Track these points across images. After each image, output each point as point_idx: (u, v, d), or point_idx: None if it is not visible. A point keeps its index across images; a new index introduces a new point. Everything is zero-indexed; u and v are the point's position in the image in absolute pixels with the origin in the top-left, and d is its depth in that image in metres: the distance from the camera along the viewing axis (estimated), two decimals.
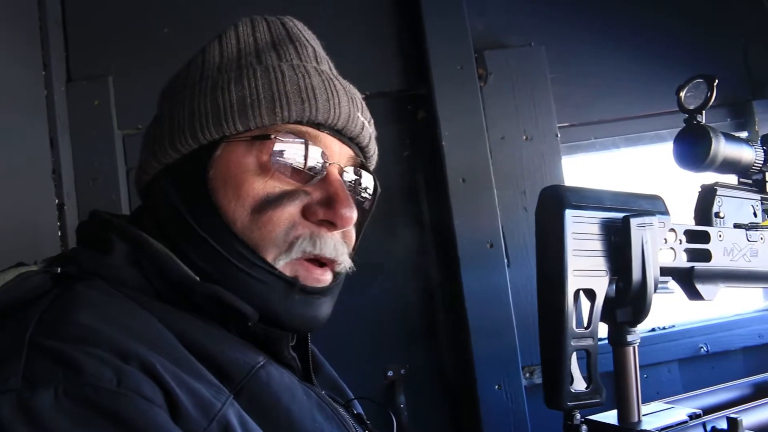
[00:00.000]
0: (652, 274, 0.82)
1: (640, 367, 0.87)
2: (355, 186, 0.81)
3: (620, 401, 0.86)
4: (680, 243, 0.89)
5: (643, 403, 0.87)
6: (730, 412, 0.86)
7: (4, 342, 0.58)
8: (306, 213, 0.73)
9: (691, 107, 0.94)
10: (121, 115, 1.78)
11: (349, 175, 0.80)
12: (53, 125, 1.68)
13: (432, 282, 1.81)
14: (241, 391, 0.65)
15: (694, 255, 0.91)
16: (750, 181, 1.02)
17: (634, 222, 0.80)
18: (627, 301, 0.83)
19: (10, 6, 1.60)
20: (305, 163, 0.73)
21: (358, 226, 0.82)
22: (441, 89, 1.76)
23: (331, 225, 0.74)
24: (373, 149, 0.84)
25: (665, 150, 1.90)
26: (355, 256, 0.82)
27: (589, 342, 0.80)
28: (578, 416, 0.81)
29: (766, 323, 1.89)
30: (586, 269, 0.80)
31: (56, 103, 1.70)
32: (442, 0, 1.79)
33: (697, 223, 0.95)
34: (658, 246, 0.84)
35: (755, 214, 1.01)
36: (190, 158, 0.75)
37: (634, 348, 0.86)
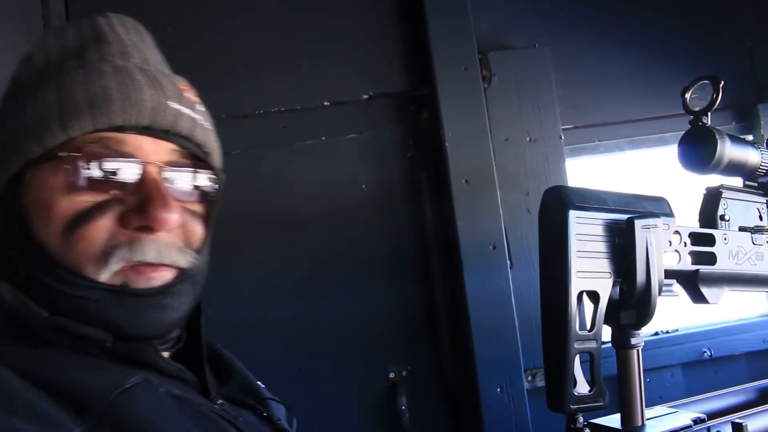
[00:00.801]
0: (657, 276, 0.81)
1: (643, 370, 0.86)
2: (184, 181, 0.75)
3: (624, 405, 0.85)
4: (685, 245, 0.89)
5: (646, 407, 0.86)
6: (735, 417, 0.85)
7: None
8: (122, 221, 0.69)
9: (697, 109, 0.94)
10: None
11: (173, 172, 0.74)
12: None
13: (434, 283, 1.80)
14: (103, 420, 0.60)
15: (698, 258, 0.90)
16: (755, 184, 1.01)
17: (638, 224, 0.80)
18: (631, 303, 0.82)
19: (14, 4, 1.60)
20: (111, 171, 0.69)
21: (206, 218, 0.78)
22: (445, 90, 1.75)
23: (150, 229, 0.69)
24: (202, 136, 0.77)
25: (669, 153, 1.89)
26: (202, 250, 0.77)
27: (592, 345, 0.79)
28: (581, 420, 0.81)
29: None
30: (589, 271, 0.79)
31: None
32: (446, 0, 1.79)
33: (701, 226, 0.95)
34: (662, 248, 0.83)
35: (761, 217, 1.00)
36: (7, 189, 0.71)
37: (638, 351, 0.85)
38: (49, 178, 0.69)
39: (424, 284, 1.80)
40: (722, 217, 0.95)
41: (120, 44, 0.76)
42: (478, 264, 1.72)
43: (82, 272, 0.68)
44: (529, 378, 1.72)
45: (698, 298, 0.91)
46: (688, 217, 0.94)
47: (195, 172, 0.76)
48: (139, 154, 0.71)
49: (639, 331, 0.85)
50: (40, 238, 0.68)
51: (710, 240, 0.91)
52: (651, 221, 0.81)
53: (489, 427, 1.68)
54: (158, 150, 0.72)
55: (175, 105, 0.73)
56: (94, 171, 0.68)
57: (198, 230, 0.77)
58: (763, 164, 0.98)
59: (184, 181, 0.75)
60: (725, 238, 0.93)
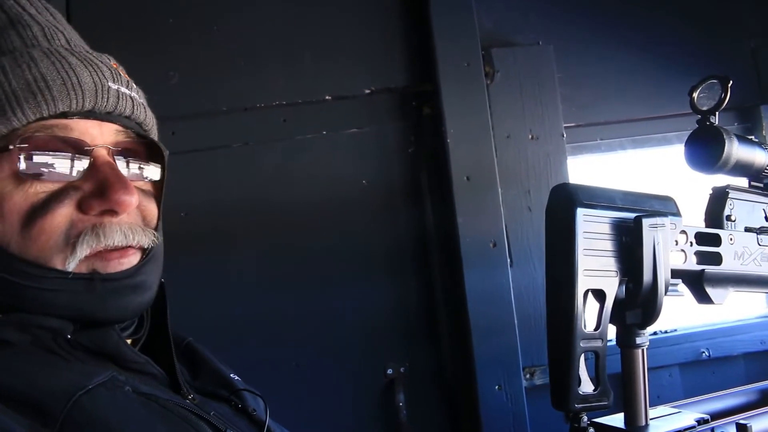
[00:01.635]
0: (663, 276, 0.81)
1: None
2: (133, 161, 0.75)
3: (628, 404, 0.85)
4: (691, 245, 0.88)
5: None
6: (739, 418, 0.85)
7: None
8: (82, 208, 0.68)
9: (704, 108, 0.93)
10: None
11: (123, 153, 0.73)
12: None
13: (434, 280, 1.80)
14: (65, 426, 0.59)
15: (704, 258, 0.90)
16: (761, 185, 1.01)
17: (646, 222, 0.79)
18: (637, 302, 0.82)
19: None
20: (61, 159, 0.68)
21: (156, 197, 0.77)
22: (447, 86, 1.74)
23: (113, 212, 0.69)
24: (142, 113, 0.76)
25: (671, 153, 1.89)
26: (159, 228, 0.77)
27: (598, 343, 0.79)
28: (585, 419, 0.80)
29: None
30: (596, 269, 0.79)
31: None
32: None
33: (707, 226, 0.94)
34: (669, 247, 0.83)
35: (766, 218, 1.00)
36: None
37: (642, 351, 0.85)
38: None
39: (424, 281, 1.80)
40: (728, 218, 0.94)
41: (40, 26, 0.73)
42: (478, 261, 1.71)
43: (47, 264, 0.67)
44: (528, 376, 1.72)
45: (703, 298, 0.90)
46: (690, 217, 0.94)
47: (143, 151, 0.76)
48: (86, 138, 0.70)
49: (644, 331, 0.85)
50: None
51: (716, 240, 0.91)
52: (659, 220, 0.81)
53: (487, 424, 1.68)
54: (103, 133, 0.72)
55: (114, 86, 0.72)
56: (44, 160, 0.67)
57: (153, 208, 0.76)
58: None
59: (134, 161, 0.74)
60: (731, 239, 0.93)
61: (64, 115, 0.68)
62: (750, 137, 1.06)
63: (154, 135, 0.81)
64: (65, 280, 0.67)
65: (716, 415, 0.89)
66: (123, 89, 0.73)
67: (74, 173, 0.68)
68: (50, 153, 0.67)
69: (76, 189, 0.68)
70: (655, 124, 1.89)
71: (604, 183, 0.85)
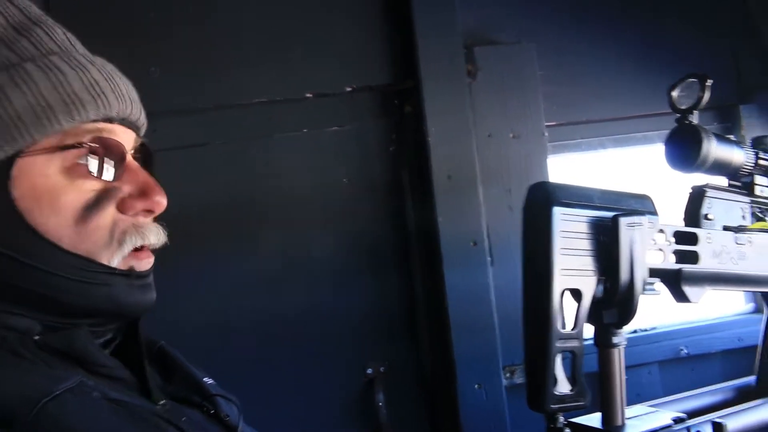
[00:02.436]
0: (640, 275, 0.81)
1: None
2: (145, 163, 0.79)
3: (605, 404, 0.85)
4: (669, 244, 0.88)
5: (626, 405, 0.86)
6: (715, 416, 0.85)
7: None
8: (122, 208, 0.72)
9: (683, 107, 0.93)
10: None
11: (139, 157, 0.79)
12: None
13: (414, 279, 1.79)
14: None
15: (682, 257, 0.90)
16: (739, 184, 1.01)
17: (623, 221, 0.79)
18: (614, 302, 0.81)
19: None
20: (109, 161, 0.71)
21: None
22: (429, 84, 1.74)
23: (149, 213, 0.74)
24: (143, 118, 0.80)
25: (652, 152, 1.89)
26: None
27: (574, 343, 0.79)
28: (561, 419, 0.80)
29: (746, 327, 1.89)
30: (573, 268, 0.78)
31: None
32: None
33: (686, 225, 0.94)
34: (646, 246, 0.82)
35: (744, 217, 1.00)
36: None
37: (619, 350, 0.85)
38: (45, 169, 0.68)
39: (404, 280, 1.79)
40: (706, 217, 0.94)
41: (60, 29, 0.75)
42: (458, 260, 1.71)
43: (100, 260, 0.70)
44: (508, 375, 1.72)
45: (680, 296, 0.90)
46: (669, 216, 0.94)
47: (150, 156, 0.81)
48: (123, 143, 0.74)
49: (621, 330, 0.85)
50: (47, 232, 0.68)
51: (694, 239, 0.91)
52: (636, 219, 0.80)
53: (466, 423, 1.68)
54: (128, 139, 0.76)
55: (135, 95, 0.76)
56: (95, 160, 0.70)
57: None
58: (747, 164, 0.98)
59: (146, 163, 0.80)
60: (709, 238, 0.93)
61: (111, 119, 0.72)
62: (729, 136, 1.06)
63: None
64: (112, 275, 0.71)
65: (693, 414, 0.89)
66: (136, 98, 0.77)
67: (116, 175, 0.72)
68: (103, 153, 0.71)
69: (117, 190, 0.72)
70: (636, 123, 1.89)
71: (584, 182, 0.85)
